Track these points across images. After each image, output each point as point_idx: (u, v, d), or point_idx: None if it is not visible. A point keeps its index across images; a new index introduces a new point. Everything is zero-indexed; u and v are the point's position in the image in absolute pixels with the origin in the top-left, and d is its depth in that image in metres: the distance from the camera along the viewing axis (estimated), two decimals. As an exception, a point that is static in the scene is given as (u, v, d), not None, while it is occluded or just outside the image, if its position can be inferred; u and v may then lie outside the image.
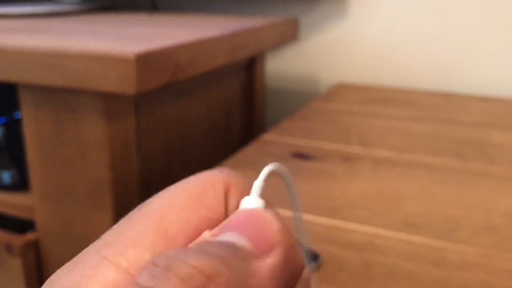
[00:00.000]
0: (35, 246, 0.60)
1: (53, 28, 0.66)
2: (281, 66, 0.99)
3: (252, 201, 0.17)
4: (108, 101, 0.51)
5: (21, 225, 0.63)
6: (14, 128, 0.61)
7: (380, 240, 0.38)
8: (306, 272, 0.16)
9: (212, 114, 0.73)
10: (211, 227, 0.16)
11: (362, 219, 0.41)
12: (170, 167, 0.65)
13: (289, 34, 0.84)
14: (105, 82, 0.48)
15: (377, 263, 0.35)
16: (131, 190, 0.57)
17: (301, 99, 0.99)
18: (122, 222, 0.16)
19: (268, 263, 0.14)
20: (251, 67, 0.83)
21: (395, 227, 0.40)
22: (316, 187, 0.47)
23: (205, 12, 1.03)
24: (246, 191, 0.17)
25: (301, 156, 0.56)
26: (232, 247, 0.14)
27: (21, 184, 0.63)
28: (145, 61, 0.47)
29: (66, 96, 0.53)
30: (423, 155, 0.56)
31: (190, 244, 0.15)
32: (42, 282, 0.61)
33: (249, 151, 0.58)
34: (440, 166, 0.53)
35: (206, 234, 0.15)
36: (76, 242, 0.58)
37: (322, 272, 0.33)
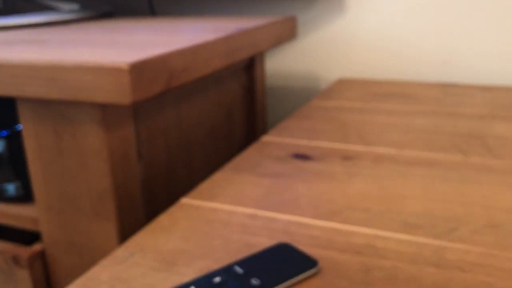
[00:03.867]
0: (42, 257, 0.60)
1: (51, 38, 0.66)
2: (281, 65, 0.99)
3: None
4: (105, 111, 0.51)
5: (28, 237, 0.64)
6: (17, 141, 0.61)
7: (380, 243, 0.37)
8: None
9: (213, 117, 0.73)
10: None
11: (362, 221, 0.41)
12: (173, 173, 0.65)
13: (287, 33, 0.84)
14: (100, 93, 0.48)
15: (377, 267, 0.34)
16: (135, 198, 0.58)
17: (302, 97, 0.99)
18: None
19: None
20: (250, 67, 0.83)
21: (396, 228, 0.39)
22: (316, 188, 0.47)
23: (202, 14, 1.02)
24: None
25: (301, 156, 0.55)
26: None
27: (25, 196, 0.63)
28: (139, 70, 0.47)
29: (64, 108, 0.53)
30: (424, 151, 0.55)
31: None
32: (49, 292, 0.61)
33: (249, 153, 0.57)
34: (441, 162, 0.52)
35: None
36: (82, 252, 0.58)
37: (320, 279, 0.33)
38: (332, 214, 0.42)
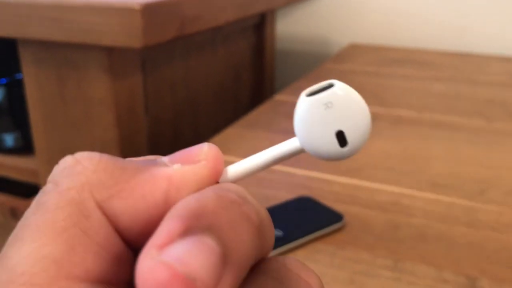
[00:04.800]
0: (41, 210, 0.58)
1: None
2: (291, 27, 0.96)
3: None
4: (113, 57, 0.48)
5: (27, 190, 0.61)
6: (17, 89, 0.58)
7: (406, 200, 0.35)
8: (251, 211, 0.13)
9: (221, 76, 0.70)
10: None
11: (386, 179, 0.38)
12: (179, 130, 0.63)
13: (300, -8, 0.80)
14: (109, 36, 0.45)
15: (405, 224, 0.32)
16: (141, 152, 0.55)
17: (311, 62, 0.95)
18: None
19: (176, 168, 0.13)
20: (260, 26, 0.79)
21: (422, 187, 0.37)
22: (335, 147, 0.45)
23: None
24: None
25: (316, 116, 0.53)
26: None
27: (25, 147, 0.61)
28: (152, 12, 0.44)
29: (68, 52, 0.50)
30: (445, 115, 0.53)
31: None
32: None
33: (262, 111, 0.55)
34: (464, 126, 0.50)
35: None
36: (83, 206, 0.56)
37: (347, 233, 0.31)
38: (354, 171, 0.40)
